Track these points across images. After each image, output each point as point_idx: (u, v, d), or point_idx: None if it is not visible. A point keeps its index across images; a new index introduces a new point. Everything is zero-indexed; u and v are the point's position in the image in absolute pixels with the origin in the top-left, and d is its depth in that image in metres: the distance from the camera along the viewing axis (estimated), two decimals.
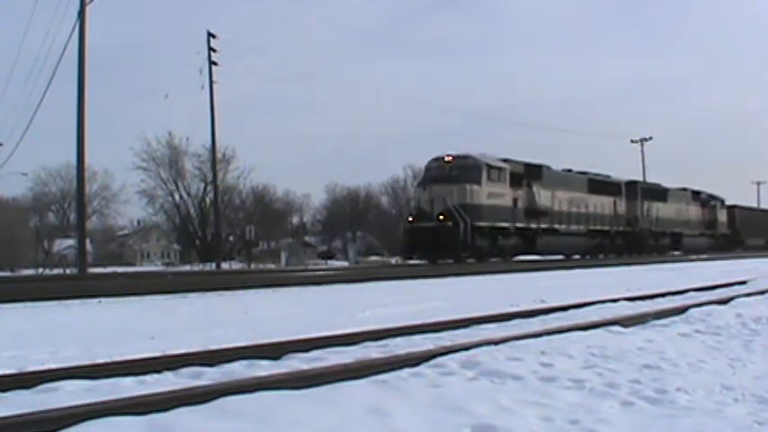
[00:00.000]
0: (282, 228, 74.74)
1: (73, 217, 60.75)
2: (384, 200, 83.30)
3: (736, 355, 5.58)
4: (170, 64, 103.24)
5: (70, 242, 56.54)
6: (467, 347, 5.32)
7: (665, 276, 17.88)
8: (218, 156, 45.10)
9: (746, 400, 4.09)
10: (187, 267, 47.62)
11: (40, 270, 44.07)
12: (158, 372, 4.86)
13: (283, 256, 56.74)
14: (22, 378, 4.53)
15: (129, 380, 4.62)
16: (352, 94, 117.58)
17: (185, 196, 59.61)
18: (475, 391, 4.09)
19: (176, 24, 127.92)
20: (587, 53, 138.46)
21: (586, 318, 7.88)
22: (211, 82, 37.81)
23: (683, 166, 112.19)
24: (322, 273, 20.96)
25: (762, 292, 11.17)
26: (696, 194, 44.80)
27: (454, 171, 26.32)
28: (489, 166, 27.05)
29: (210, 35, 38.06)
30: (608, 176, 36.19)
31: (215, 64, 38.02)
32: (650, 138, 61.04)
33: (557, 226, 30.46)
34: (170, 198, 59.99)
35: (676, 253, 40.49)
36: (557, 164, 34.09)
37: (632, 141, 61.27)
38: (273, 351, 5.60)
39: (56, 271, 41.74)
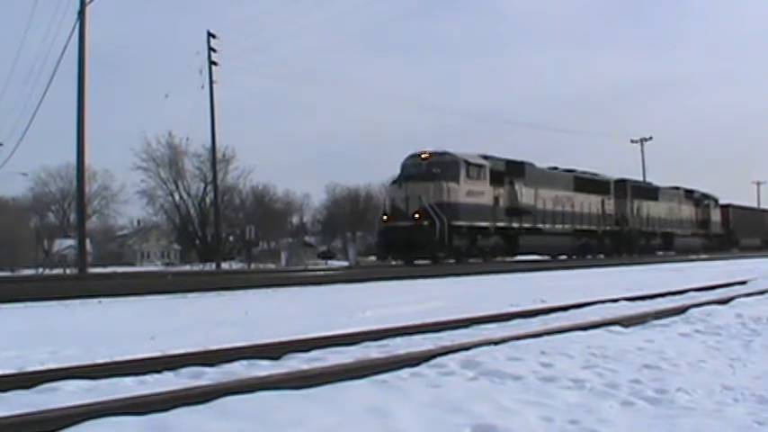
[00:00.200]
0: (282, 228, 74.71)
1: (73, 217, 60.77)
2: None
3: (736, 355, 5.59)
4: (170, 64, 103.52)
5: (70, 242, 56.52)
6: (467, 347, 5.32)
7: (664, 276, 17.87)
8: (218, 156, 45.17)
9: (746, 400, 4.09)
10: (187, 267, 47.63)
11: (40, 270, 44.05)
12: (158, 372, 4.86)
13: (283, 256, 56.69)
14: (22, 378, 4.53)
15: (129, 380, 4.62)
16: (351, 93, 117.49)
17: (185, 196, 59.65)
18: (475, 391, 4.09)
19: (176, 24, 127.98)
20: (587, 53, 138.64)
21: (586, 318, 7.88)
22: (211, 82, 37.89)
23: (683, 165, 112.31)
24: (322, 273, 20.95)
25: (762, 292, 11.17)
26: (689, 193, 44.10)
27: (431, 168, 25.42)
28: (468, 163, 26.10)
29: (210, 35, 38.12)
30: (596, 174, 35.38)
31: (215, 64, 38.08)
32: (650, 138, 61.14)
33: (540, 225, 29.57)
34: (170, 198, 60.04)
35: (670, 253, 39.86)
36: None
37: (632, 141, 61.36)
38: (273, 351, 5.60)
39: (56, 271, 41.72)
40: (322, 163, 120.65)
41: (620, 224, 35.81)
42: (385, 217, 26.01)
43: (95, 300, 11.35)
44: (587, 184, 33.59)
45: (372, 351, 5.76)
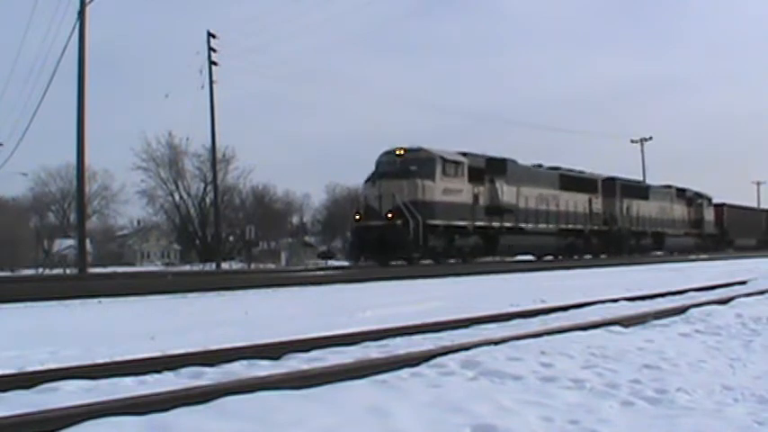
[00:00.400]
0: (282, 228, 74.70)
1: (73, 217, 60.76)
2: None
3: (736, 355, 5.59)
4: (170, 64, 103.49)
5: (70, 242, 56.53)
6: (467, 347, 5.32)
7: (664, 276, 17.87)
8: (218, 156, 45.19)
9: (746, 400, 4.09)
10: (187, 267, 47.63)
11: (40, 270, 44.06)
12: (158, 372, 4.86)
13: (283, 256, 56.75)
14: (22, 378, 4.53)
15: (129, 380, 4.62)
16: (351, 93, 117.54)
17: (185, 196, 59.69)
18: (475, 391, 4.09)
19: (176, 24, 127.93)
20: (587, 53, 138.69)
21: (587, 318, 7.88)
22: (211, 82, 37.91)
23: (683, 165, 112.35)
24: (322, 273, 20.92)
25: (762, 292, 11.17)
26: (681, 192, 42.99)
27: (405, 165, 24.39)
28: (444, 160, 25.04)
29: (210, 35, 38.13)
30: (582, 172, 34.42)
31: (215, 64, 38.10)
32: (650, 138, 61.12)
33: (523, 225, 28.48)
34: (170, 198, 60.07)
35: (660, 253, 39.07)
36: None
37: (632, 141, 61.35)
38: (273, 351, 5.60)
39: (56, 271, 41.73)
40: (322, 163, 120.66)
41: (609, 224, 34.83)
42: (357, 216, 25.14)
43: (95, 300, 11.35)
44: (573, 182, 32.59)
45: (372, 351, 5.76)
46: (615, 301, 10.05)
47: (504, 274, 19.54)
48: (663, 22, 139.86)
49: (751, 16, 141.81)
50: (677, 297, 11.14)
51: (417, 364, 4.79)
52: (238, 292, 13.48)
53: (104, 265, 52.89)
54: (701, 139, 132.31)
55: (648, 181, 45.65)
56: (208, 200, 54.78)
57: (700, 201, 44.80)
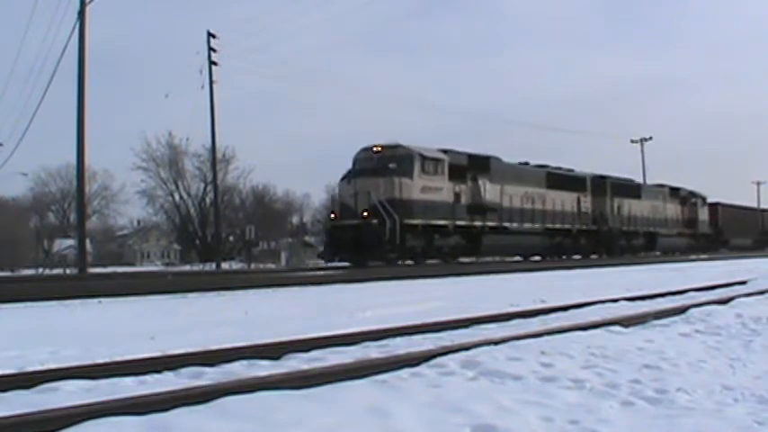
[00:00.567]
0: (282, 228, 74.66)
1: (73, 217, 60.78)
2: None
3: (736, 355, 5.58)
4: (170, 64, 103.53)
5: (70, 242, 56.53)
6: (467, 347, 5.32)
7: (664, 276, 17.87)
8: (218, 156, 45.19)
9: (746, 400, 4.09)
10: (187, 267, 47.63)
11: (40, 270, 44.05)
12: (158, 372, 4.86)
13: (283, 256, 56.70)
14: (22, 378, 4.53)
15: (129, 380, 4.62)
16: (351, 93, 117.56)
17: (185, 196, 59.70)
18: (475, 391, 4.09)
19: (176, 24, 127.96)
20: (587, 53, 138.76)
21: (586, 318, 7.88)
22: (211, 82, 37.91)
23: (683, 165, 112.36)
24: (322, 273, 20.89)
25: (762, 292, 11.16)
26: (675, 191, 42.15)
27: (382, 163, 23.58)
28: (423, 157, 24.22)
29: (210, 35, 38.13)
30: (571, 170, 33.58)
31: (215, 64, 38.09)
32: (650, 138, 61.14)
33: (507, 224, 27.64)
34: (170, 198, 60.07)
35: (657, 254, 38.52)
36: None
37: (632, 141, 61.39)
38: (273, 351, 5.60)
39: (56, 271, 41.72)
40: (322, 163, 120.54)
41: (599, 223, 33.96)
42: (332, 215, 24.53)
43: (95, 300, 11.35)
44: (561, 180, 31.70)
45: (372, 351, 5.75)
46: (615, 301, 10.04)
47: (504, 274, 19.54)
48: (663, 22, 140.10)
49: (751, 16, 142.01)
50: (677, 297, 11.14)
51: (417, 364, 4.78)
52: (238, 292, 13.48)
53: (104, 265, 52.95)
54: (701, 139, 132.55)
55: (648, 181, 45.47)
56: (208, 200, 54.82)
57: (694, 200, 43.98)
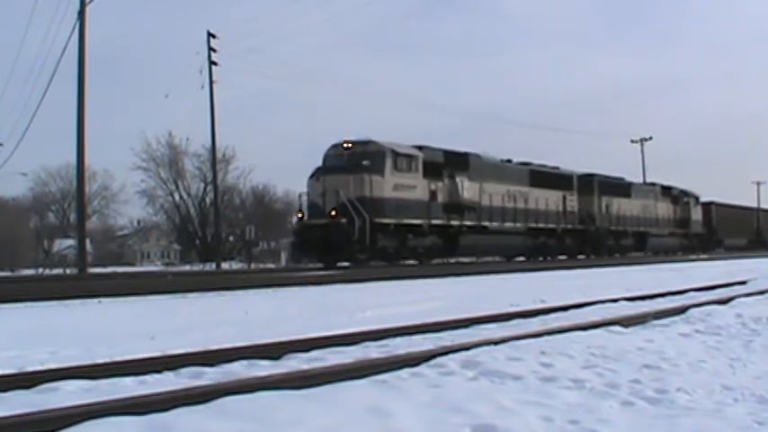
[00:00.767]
0: (282, 228, 74.61)
1: (73, 217, 60.75)
2: None
3: (736, 355, 5.58)
4: (170, 64, 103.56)
5: (70, 242, 56.52)
6: (467, 347, 5.31)
7: (664, 276, 17.87)
8: (218, 156, 45.23)
9: (746, 400, 4.09)
10: (187, 267, 47.64)
11: (40, 270, 44.06)
12: (158, 372, 4.86)
13: (283, 256, 56.66)
14: (22, 378, 4.53)
15: (129, 380, 4.62)
16: (351, 93, 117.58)
17: (185, 196, 59.72)
18: (475, 391, 4.09)
19: (176, 24, 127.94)
20: (587, 53, 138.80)
21: (586, 318, 7.88)
22: (211, 82, 37.95)
23: (683, 165, 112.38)
24: (322, 273, 20.86)
25: (762, 292, 11.16)
26: (666, 190, 41.26)
27: (353, 159, 22.71)
28: (396, 153, 23.23)
29: (210, 35, 38.16)
30: (556, 168, 32.61)
31: (215, 64, 38.13)
32: (650, 138, 61.14)
33: (486, 223, 26.64)
34: (170, 198, 60.11)
35: (640, 254, 37.50)
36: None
37: (632, 141, 61.42)
38: (273, 351, 5.60)
39: (56, 271, 41.73)
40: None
41: (586, 223, 33.00)
42: (300, 215, 23.84)
43: (95, 300, 11.35)
44: (546, 178, 30.68)
45: (372, 351, 5.75)
46: (615, 301, 10.04)
47: (504, 274, 19.55)
48: (663, 22, 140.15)
49: (751, 16, 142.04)
50: (677, 297, 11.14)
51: (417, 364, 4.78)
52: (238, 292, 13.48)
53: (104, 265, 52.98)
54: (701, 139, 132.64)
55: (648, 181, 45.27)
56: (208, 200, 54.84)
57: (686, 199, 43.04)
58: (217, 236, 43.21)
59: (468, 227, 25.92)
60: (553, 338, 5.87)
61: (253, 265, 44.75)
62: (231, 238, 60.12)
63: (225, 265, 40.81)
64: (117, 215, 76.47)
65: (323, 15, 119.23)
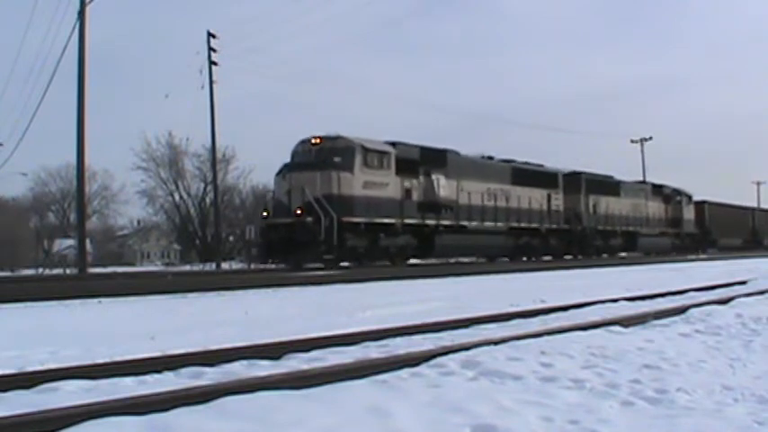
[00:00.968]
0: None
1: (73, 217, 60.80)
2: None
3: (736, 355, 5.58)
4: (170, 64, 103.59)
5: (70, 242, 56.53)
6: (467, 347, 5.31)
7: (664, 276, 17.88)
8: (218, 156, 45.18)
9: (746, 400, 4.09)
10: (187, 267, 47.58)
11: (40, 270, 44.04)
12: (158, 372, 4.86)
13: None
14: (22, 378, 4.53)
15: (129, 380, 4.62)
16: (351, 93, 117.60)
17: (185, 196, 59.65)
18: (475, 391, 4.09)
19: (176, 24, 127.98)
20: (587, 53, 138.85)
21: (586, 318, 7.88)
22: (211, 82, 37.92)
23: (684, 165, 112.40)
24: (322, 273, 20.83)
25: (762, 292, 11.16)
26: (657, 188, 40.34)
27: (321, 156, 21.94)
28: (366, 150, 22.33)
29: (210, 35, 38.15)
30: (540, 166, 31.65)
31: (215, 64, 38.11)
32: (650, 138, 61.14)
33: (465, 223, 25.71)
34: (170, 198, 60.02)
35: (636, 254, 36.86)
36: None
37: (632, 141, 61.42)
38: (273, 351, 5.60)
39: (56, 271, 41.71)
40: None
41: (572, 222, 32.01)
42: (265, 213, 22.95)
43: (95, 300, 11.35)
44: (529, 176, 29.72)
45: (372, 351, 5.75)
46: (615, 301, 10.04)
47: (504, 274, 19.56)
48: (663, 22, 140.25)
49: (751, 16, 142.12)
50: (677, 297, 11.13)
51: (417, 364, 4.78)
52: (238, 292, 13.48)
53: (104, 265, 52.97)
54: (700, 139, 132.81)
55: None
56: (208, 200, 54.78)
57: (678, 198, 41.95)
58: (217, 236, 43.20)
59: (446, 226, 25.09)
60: (553, 338, 5.87)
61: (253, 265, 44.74)
62: (231, 238, 60.09)
63: (225, 265, 40.76)
64: (117, 215, 76.63)
65: (323, 15, 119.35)
